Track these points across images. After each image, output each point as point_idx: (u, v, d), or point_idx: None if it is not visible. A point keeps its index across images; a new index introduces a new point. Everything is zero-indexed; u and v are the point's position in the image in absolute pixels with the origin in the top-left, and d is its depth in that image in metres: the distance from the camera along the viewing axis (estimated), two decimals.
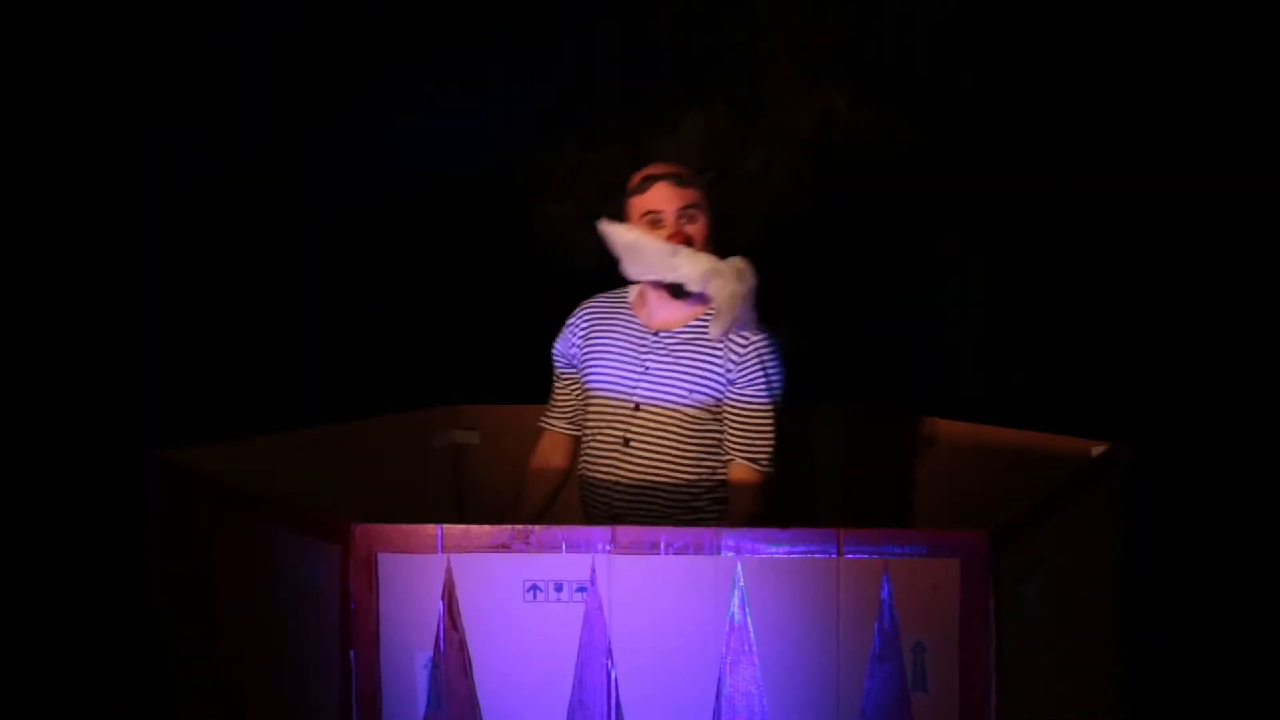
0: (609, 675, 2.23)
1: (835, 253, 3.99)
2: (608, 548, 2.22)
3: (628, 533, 2.23)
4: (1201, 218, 3.72)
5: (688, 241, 2.76)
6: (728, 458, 2.77)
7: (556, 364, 2.99)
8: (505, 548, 2.22)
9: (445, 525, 2.24)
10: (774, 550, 2.21)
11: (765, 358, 2.75)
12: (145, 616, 2.91)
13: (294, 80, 3.67)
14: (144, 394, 3.37)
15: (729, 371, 2.75)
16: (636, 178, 2.84)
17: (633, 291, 2.94)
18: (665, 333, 2.82)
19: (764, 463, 2.75)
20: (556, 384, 3.00)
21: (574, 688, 2.24)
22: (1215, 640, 3.57)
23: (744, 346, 2.75)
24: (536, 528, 2.24)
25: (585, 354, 2.90)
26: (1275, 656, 3.50)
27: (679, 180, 2.81)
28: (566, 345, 2.96)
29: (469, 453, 3.41)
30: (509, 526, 2.24)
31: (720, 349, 2.76)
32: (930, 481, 3.22)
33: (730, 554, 2.21)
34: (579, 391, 2.96)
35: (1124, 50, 3.71)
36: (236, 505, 2.57)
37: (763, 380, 2.75)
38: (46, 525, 3.29)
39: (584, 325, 2.93)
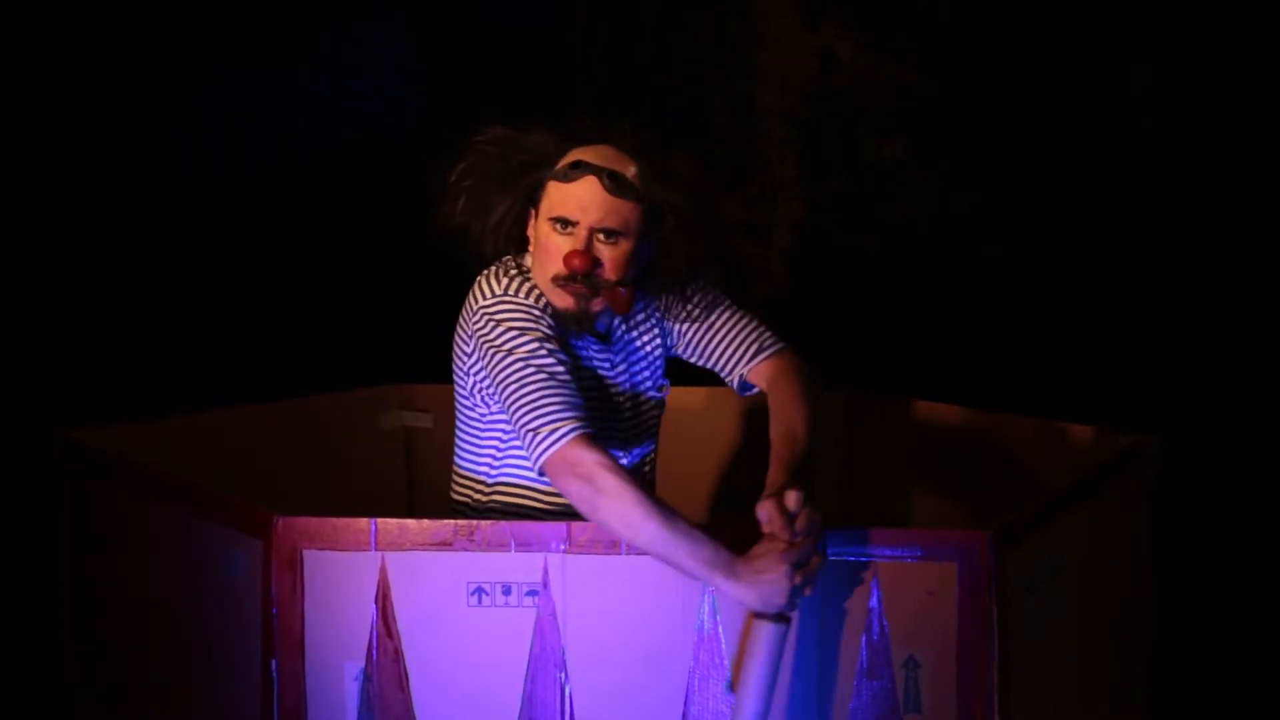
0: (562, 690, 2.19)
1: (836, 219, 3.95)
2: (562, 546, 2.19)
3: (585, 529, 2.18)
4: (1250, 185, 3.64)
5: (593, 269, 2.32)
6: (752, 363, 2.48)
7: (546, 342, 2.31)
8: (447, 545, 2.18)
9: (380, 519, 2.20)
10: None
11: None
12: (47, 616, 2.89)
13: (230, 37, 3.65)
14: (54, 368, 3.34)
15: (681, 315, 2.51)
16: (566, 158, 2.38)
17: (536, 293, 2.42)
18: (618, 337, 2.51)
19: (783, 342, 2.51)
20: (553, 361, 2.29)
21: (523, 704, 2.20)
22: (1259, 659, 3.50)
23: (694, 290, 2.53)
24: (482, 523, 2.20)
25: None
26: None
27: (616, 185, 2.34)
28: (542, 321, 2.33)
29: (420, 437, 3.36)
30: (450, 521, 2.20)
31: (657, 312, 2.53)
32: (940, 475, 3.18)
33: None
34: None
35: None
36: (145, 489, 2.52)
37: (714, 291, 2.54)
38: None
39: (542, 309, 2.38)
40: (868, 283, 3.96)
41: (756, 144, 4.00)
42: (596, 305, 2.36)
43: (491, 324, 2.31)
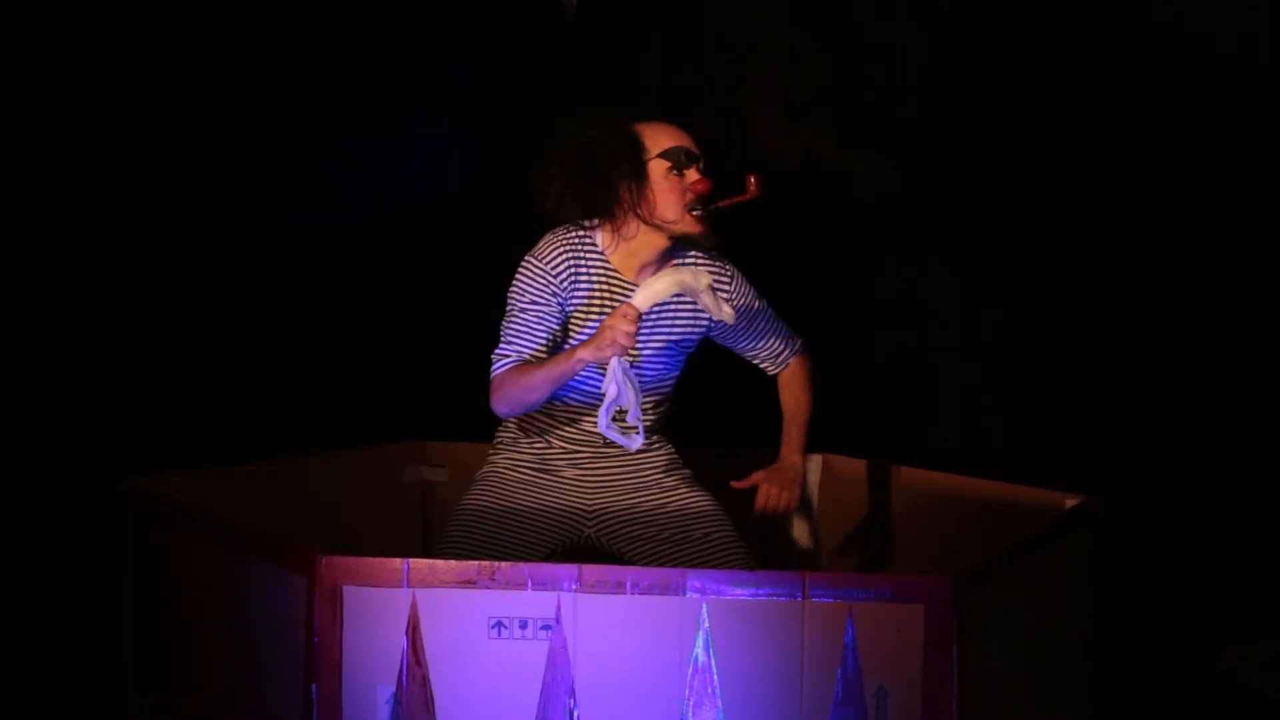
0: (571, 714, 2.33)
1: (808, 292, 3.86)
2: (574, 585, 2.33)
3: (594, 571, 2.34)
4: (1196, 262, 3.68)
5: (710, 196, 2.81)
6: (779, 361, 3.09)
7: (538, 305, 2.80)
8: (471, 583, 2.33)
9: (411, 560, 2.35)
10: (739, 592, 2.32)
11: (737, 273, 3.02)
12: (114, 643, 3.02)
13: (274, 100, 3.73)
14: (110, 421, 3.45)
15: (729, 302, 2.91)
16: (656, 141, 2.83)
17: (601, 233, 2.87)
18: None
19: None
20: (533, 320, 2.81)
21: None
22: (1190, 704, 3.53)
23: (729, 276, 2.98)
24: (503, 564, 2.34)
25: (567, 310, 2.83)
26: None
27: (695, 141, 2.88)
28: (549, 289, 2.80)
29: (437, 490, 3.48)
30: (474, 563, 2.35)
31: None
32: (902, 531, 3.30)
33: (696, 595, 2.32)
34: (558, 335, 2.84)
35: (1112, 89, 3.69)
36: (204, 531, 2.66)
37: (750, 289, 3.03)
38: (16, 550, 3.38)
39: (563, 274, 2.81)
40: (840, 353, 3.77)
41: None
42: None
43: (519, 274, 2.84)
